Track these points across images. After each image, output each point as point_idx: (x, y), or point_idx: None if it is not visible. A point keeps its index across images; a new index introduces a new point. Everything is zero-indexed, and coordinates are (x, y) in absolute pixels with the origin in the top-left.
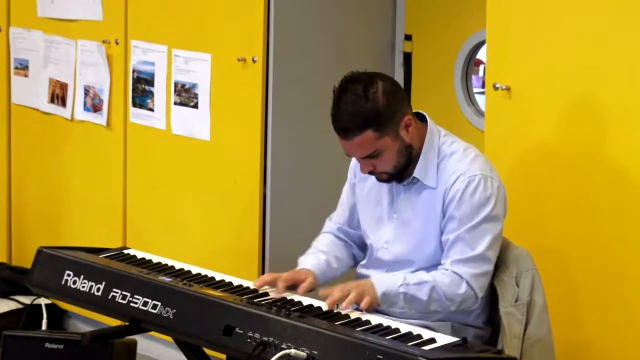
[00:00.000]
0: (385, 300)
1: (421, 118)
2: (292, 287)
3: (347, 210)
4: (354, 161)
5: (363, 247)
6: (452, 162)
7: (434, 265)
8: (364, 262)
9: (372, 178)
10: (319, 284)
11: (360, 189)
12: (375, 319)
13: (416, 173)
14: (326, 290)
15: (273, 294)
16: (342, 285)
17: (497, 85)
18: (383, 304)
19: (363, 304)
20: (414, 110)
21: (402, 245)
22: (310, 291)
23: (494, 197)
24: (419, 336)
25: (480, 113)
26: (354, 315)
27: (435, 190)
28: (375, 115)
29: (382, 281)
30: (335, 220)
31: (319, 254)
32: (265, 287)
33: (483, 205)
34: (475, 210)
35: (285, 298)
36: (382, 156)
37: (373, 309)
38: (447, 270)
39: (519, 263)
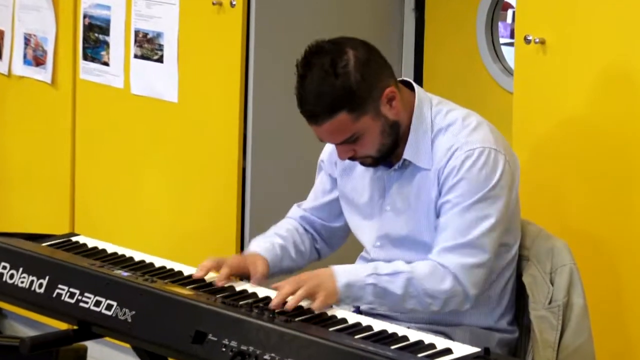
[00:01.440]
0: (349, 293)
1: (408, 86)
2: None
3: (320, 195)
4: (328, 150)
5: (330, 241)
6: (449, 135)
7: None
8: (364, 254)
9: (358, 167)
10: (271, 272)
11: (344, 183)
12: (378, 325)
13: (406, 154)
14: (277, 283)
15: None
16: (295, 277)
17: (529, 38)
18: (346, 299)
19: (316, 303)
20: (400, 79)
21: (395, 241)
22: (266, 276)
23: (497, 173)
24: (432, 345)
25: (509, 71)
26: (352, 319)
27: (429, 171)
28: (348, 94)
29: (345, 270)
30: (302, 207)
31: (275, 238)
32: (211, 275)
33: (483, 183)
34: (471, 189)
35: (268, 298)
36: (363, 140)
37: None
38: (430, 260)
39: (553, 256)
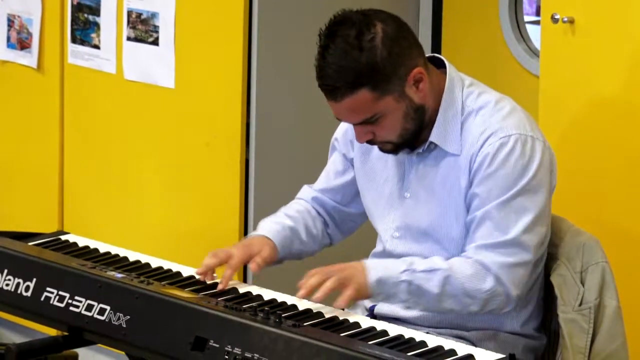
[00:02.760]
0: (381, 289)
1: (438, 64)
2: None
3: (332, 176)
4: (344, 128)
5: (342, 227)
6: (480, 119)
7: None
8: (378, 249)
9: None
10: (280, 257)
11: (362, 163)
12: (393, 329)
13: (433, 137)
14: (303, 281)
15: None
16: (323, 268)
17: (557, 17)
18: (378, 295)
19: (345, 296)
20: (429, 54)
21: (415, 233)
22: (268, 265)
23: (535, 163)
24: (452, 352)
25: (534, 52)
26: (365, 323)
27: (458, 157)
28: (372, 70)
29: (379, 264)
30: (314, 187)
31: (285, 219)
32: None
33: (520, 174)
34: (508, 181)
35: (274, 301)
36: (383, 121)
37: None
38: (469, 258)
39: (584, 254)
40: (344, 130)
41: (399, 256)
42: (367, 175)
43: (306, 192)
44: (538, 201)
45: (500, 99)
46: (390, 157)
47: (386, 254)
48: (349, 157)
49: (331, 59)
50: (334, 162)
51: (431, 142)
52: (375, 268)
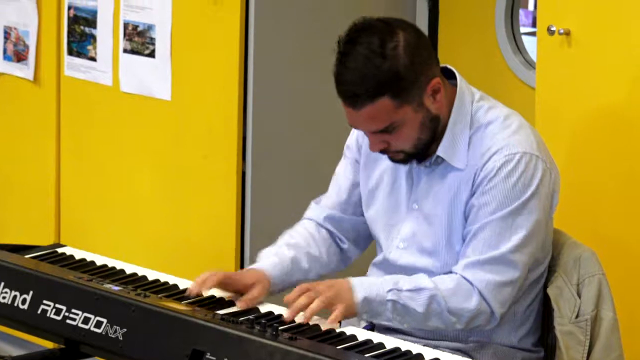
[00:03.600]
0: (367, 308)
1: (448, 75)
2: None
3: (345, 190)
4: (355, 134)
5: (359, 240)
6: (488, 135)
7: None
8: (378, 259)
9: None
10: (278, 290)
11: (369, 170)
12: (390, 342)
13: (440, 151)
14: (290, 295)
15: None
16: (308, 286)
17: (553, 28)
18: (363, 314)
19: (332, 316)
20: (441, 65)
21: (421, 245)
22: (259, 302)
23: (535, 183)
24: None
25: (530, 63)
26: (362, 336)
27: (463, 172)
28: (395, 79)
29: (364, 283)
30: (324, 204)
31: (285, 250)
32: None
33: (519, 193)
34: (507, 198)
35: (271, 313)
36: (400, 131)
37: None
38: (456, 274)
39: (580, 266)
40: (355, 136)
41: (401, 267)
42: (373, 183)
43: (316, 211)
44: (533, 221)
45: (509, 115)
46: (398, 167)
47: (388, 264)
48: (359, 162)
49: (352, 66)
50: (345, 172)
51: (438, 156)
52: (360, 287)
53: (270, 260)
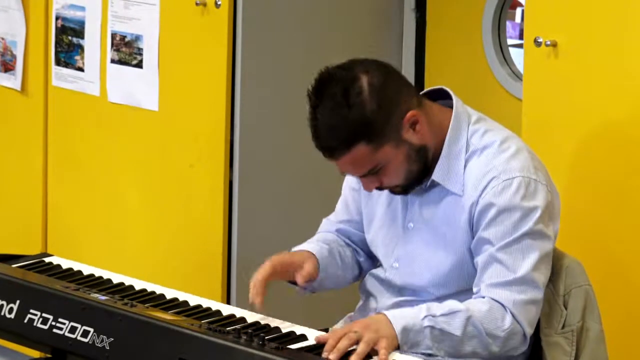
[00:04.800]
0: (407, 339)
1: (444, 96)
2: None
3: (353, 208)
4: None
5: (371, 255)
6: (484, 159)
7: (455, 293)
8: (377, 272)
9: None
10: (321, 277)
11: (373, 204)
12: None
13: (436, 175)
14: (323, 335)
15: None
16: (345, 328)
17: (540, 40)
18: (404, 345)
19: (382, 349)
20: (435, 87)
21: (416, 266)
22: (310, 281)
23: (539, 209)
24: None
25: (517, 75)
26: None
27: (460, 197)
28: (365, 125)
29: (399, 313)
30: (334, 220)
31: (321, 244)
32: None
33: (523, 218)
34: (513, 224)
35: (258, 323)
36: (387, 169)
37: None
38: (483, 297)
39: (567, 277)
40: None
41: (398, 287)
42: (372, 199)
43: (328, 225)
44: (543, 241)
45: (506, 139)
46: None
47: (386, 283)
48: (354, 188)
49: (322, 120)
50: (351, 186)
51: (433, 180)
52: (396, 318)
53: (311, 245)
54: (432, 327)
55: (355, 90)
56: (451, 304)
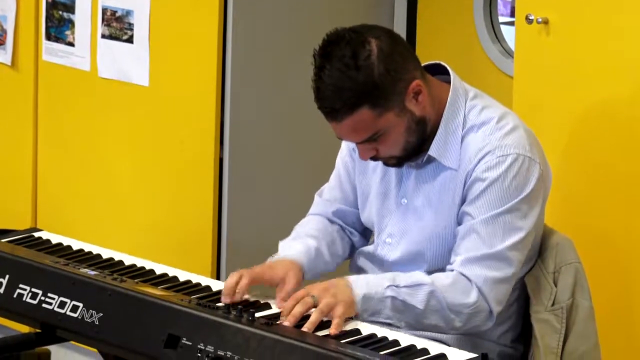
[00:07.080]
0: (367, 306)
1: (441, 71)
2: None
3: (348, 185)
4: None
5: (366, 232)
6: (481, 135)
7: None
8: (367, 249)
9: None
10: (307, 278)
11: (367, 181)
12: (366, 328)
13: (432, 150)
14: (286, 304)
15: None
16: (302, 292)
17: (531, 17)
18: (363, 312)
19: (336, 319)
20: (432, 62)
21: (409, 241)
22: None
23: (529, 185)
24: (425, 351)
25: (509, 52)
26: None
27: (456, 172)
28: (371, 88)
29: (362, 280)
30: (328, 198)
31: (308, 240)
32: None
33: (512, 194)
34: (499, 198)
35: (247, 301)
36: (386, 138)
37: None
38: (453, 271)
39: (557, 254)
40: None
41: (390, 262)
42: (366, 176)
43: (324, 207)
44: (529, 221)
45: (503, 116)
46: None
47: (377, 259)
48: (354, 165)
49: (328, 80)
50: (344, 161)
51: (430, 155)
52: (358, 284)
53: (297, 248)
54: (393, 298)
55: (365, 53)
56: (417, 276)
